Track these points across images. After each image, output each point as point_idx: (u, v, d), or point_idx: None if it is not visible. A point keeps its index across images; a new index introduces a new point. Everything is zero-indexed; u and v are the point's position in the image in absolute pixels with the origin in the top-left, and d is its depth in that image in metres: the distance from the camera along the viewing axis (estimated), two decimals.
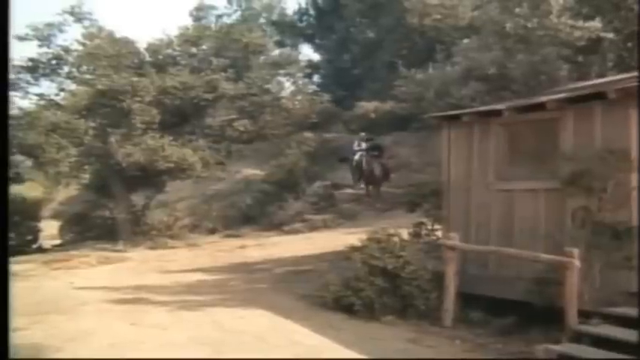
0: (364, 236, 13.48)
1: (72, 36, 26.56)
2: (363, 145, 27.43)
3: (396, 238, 13.18)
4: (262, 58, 29.29)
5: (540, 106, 11.70)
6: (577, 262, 10.01)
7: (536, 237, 11.62)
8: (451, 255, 12.13)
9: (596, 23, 16.32)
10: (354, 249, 13.24)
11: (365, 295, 12.28)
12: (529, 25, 15.47)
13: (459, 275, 12.11)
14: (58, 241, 28.73)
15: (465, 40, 17.99)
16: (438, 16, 19.71)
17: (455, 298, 12.01)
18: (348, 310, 12.41)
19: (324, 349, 10.23)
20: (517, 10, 16.25)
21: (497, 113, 12.47)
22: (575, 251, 10.08)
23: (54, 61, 25.82)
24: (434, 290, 12.38)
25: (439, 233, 14.40)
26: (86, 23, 26.59)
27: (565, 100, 11.47)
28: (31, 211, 29.04)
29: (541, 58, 15.19)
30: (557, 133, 11.53)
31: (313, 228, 25.83)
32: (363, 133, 28.39)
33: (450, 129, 13.56)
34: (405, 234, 14.11)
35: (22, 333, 10.73)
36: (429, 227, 15.12)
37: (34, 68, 25.61)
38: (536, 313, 10.84)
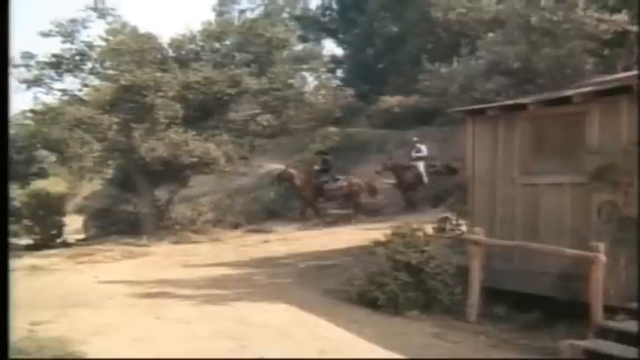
0: (388, 231, 13.45)
1: (95, 32, 26.86)
2: (424, 151, 27.35)
3: (420, 233, 13.15)
4: (285, 52, 29.27)
5: (566, 100, 11.60)
6: (603, 257, 9.93)
7: (561, 231, 11.58)
8: (476, 250, 12.05)
9: (623, 16, 16.18)
10: (378, 244, 13.23)
11: (389, 289, 12.25)
12: (554, 18, 15.36)
13: (483, 270, 12.03)
14: (82, 236, 28.89)
15: (490, 34, 17.83)
16: (463, 10, 19.62)
17: (479, 293, 11.94)
18: (372, 304, 12.39)
19: (348, 344, 10.21)
20: (542, 3, 16.16)
21: (523, 107, 12.38)
22: (601, 246, 10.00)
23: (77, 57, 26.05)
24: (458, 285, 12.36)
25: (463, 228, 14.32)
26: (109, 19, 26.90)
27: (591, 94, 11.36)
28: (56, 205, 29.26)
29: (567, 52, 15.07)
30: (582, 127, 11.44)
31: (337, 222, 25.83)
32: (415, 138, 28.14)
33: (474, 123, 13.48)
34: (429, 229, 14.07)
35: (47, 326, 10.90)
36: (454, 222, 15.05)
37: (58, 64, 25.83)
38: (561, 308, 10.82)
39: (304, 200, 27.22)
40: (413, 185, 26.82)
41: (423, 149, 27.34)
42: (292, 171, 27.13)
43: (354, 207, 27.36)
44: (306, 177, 26.99)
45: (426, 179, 26.67)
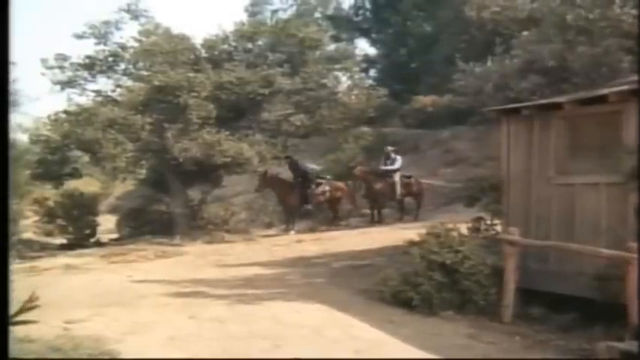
0: (422, 231, 13.41)
1: (128, 33, 26.94)
2: (397, 162, 26.76)
3: (454, 233, 13.08)
4: (318, 52, 29.19)
5: (602, 99, 11.47)
6: None
7: (597, 232, 11.46)
8: (511, 250, 11.98)
9: None
10: (412, 244, 13.19)
11: (423, 289, 12.20)
12: (591, 16, 15.19)
13: (518, 270, 11.98)
14: (115, 236, 29.03)
15: (525, 33, 17.67)
16: (497, 9, 19.41)
17: (514, 294, 11.88)
18: (406, 304, 12.33)
19: (382, 344, 10.20)
20: (578, 0, 15.99)
21: (558, 106, 12.27)
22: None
23: (111, 58, 26.23)
24: (493, 285, 12.27)
25: (498, 228, 14.25)
26: (142, 20, 27.05)
27: (627, 93, 11.24)
28: (89, 205, 29.44)
29: (603, 50, 14.90)
30: (619, 126, 11.31)
31: (371, 222, 25.80)
32: (390, 147, 27.51)
33: (509, 123, 13.40)
34: (463, 229, 14.03)
35: (82, 324, 10.98)
36: (488, 222, 14.96)
37: (91, 65, 25.99)
38: (597, 309, 10.70)
39: (286, 206, 26.65)
40: (382, 197, 26.52)
41: (398, 160, 26.81)
42: (275, 171, 26.87)
43: (334, 213, 27.18)
44: (290, 182, 26.58)
45: (399, 193, 26.41)
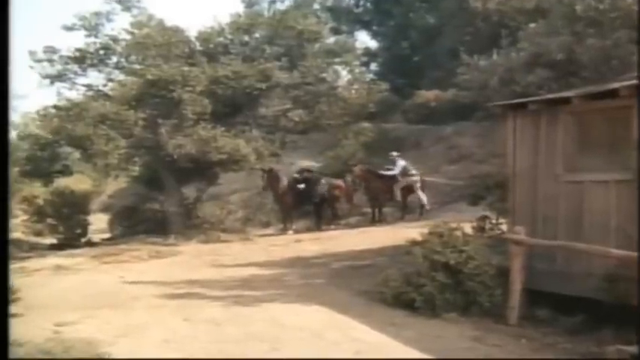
0: (424, 230, 13.19)
1: (120, 25, 26.57)
2: (397, 167, 26.02)
3: (458, 232, 12.84)
4: (317, 45, 28.92)
5: (612, 93, 11.17)
6: None
7: (606, 231, 11.16)
8: (517, 250, 11.73)
9: None
10: (414, 243, 12.96)
11: (426, 290, 11.98)
12: (601, 6, 14.93)
13: (525, 271, 11.73)
14: (107, 235, 28.89)
15: (532, 25, 17.43)
16: None
17: (520, 295, 11.64)
18: (408, 306, 12.13)
19: (384, 347, 10.02)
20: None
21: (566, 101, 11.99)
22: None
23: (102, 51, 25.89)
24: (498, 286, 12.03)
25: (504, 227, 14.07)
26: (135, 12, 26.84)
27: (638, 87, 10.94)
28: (80, 204, 29.27)
29: (612, 43, 14.65)
30: (629, 122, 10.98)
31: (371, 222, 25.59)
32: (395, 152, 26.82)
33: (515, 118, 13.11)
34: (468, 228, 13.84)
35: (73, 327, 10.87)
36: (494, 221, 14.79)
37: (82, 59, 25.66)
38: (607, 311, 10.46)
39: (283, 205, 26.32)
40: (383, 195, 26.16)
41: (398, 165, 26.08)
42: (276, 168, 26.49)
43: (333, 212, 26.72)
44: (288, 181, 26.17)
45: (399, 195, 25.94)
